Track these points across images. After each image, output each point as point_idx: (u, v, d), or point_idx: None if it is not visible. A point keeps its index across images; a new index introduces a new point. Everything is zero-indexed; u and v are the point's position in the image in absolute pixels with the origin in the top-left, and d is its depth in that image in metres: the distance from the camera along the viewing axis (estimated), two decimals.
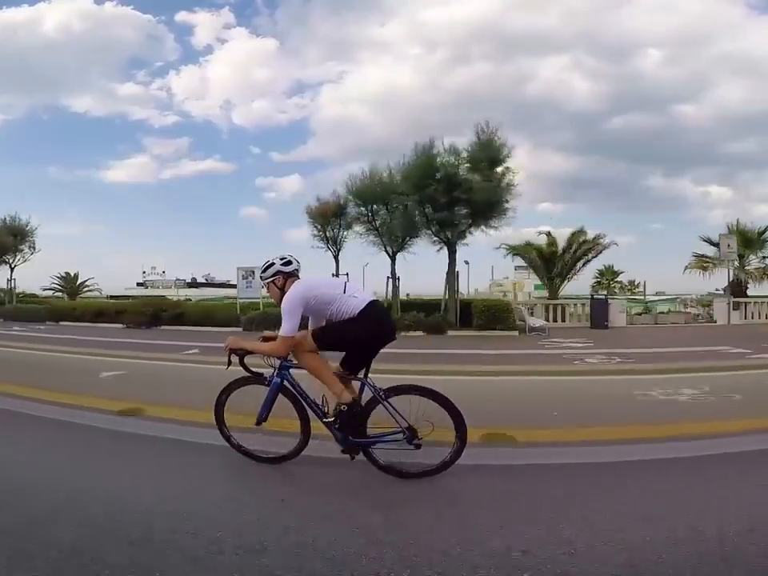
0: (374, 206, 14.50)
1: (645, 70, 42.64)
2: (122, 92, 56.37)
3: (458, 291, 14.94)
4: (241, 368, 2.98)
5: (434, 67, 51.30)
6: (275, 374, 2.93)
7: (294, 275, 2.92)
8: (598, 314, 14.59)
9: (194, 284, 47.50)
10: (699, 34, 44.03)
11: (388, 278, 15.09)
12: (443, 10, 50.19)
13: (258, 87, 57.88)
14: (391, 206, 14.34)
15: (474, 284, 26.63)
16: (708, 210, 46.73)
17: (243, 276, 15.61)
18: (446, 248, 14.47)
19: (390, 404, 2.78)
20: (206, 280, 49.70)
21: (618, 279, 33.22)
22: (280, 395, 2.94)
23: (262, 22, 57.17)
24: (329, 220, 15.05)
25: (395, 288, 14.91)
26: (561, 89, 46.89)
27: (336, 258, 15.57)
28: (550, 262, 18.98)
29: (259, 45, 54.03)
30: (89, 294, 31.25)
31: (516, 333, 13.01)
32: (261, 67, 58.64)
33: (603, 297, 15.95)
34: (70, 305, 20.18)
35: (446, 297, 14.54)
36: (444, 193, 13.22)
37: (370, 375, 2.89)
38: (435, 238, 14.35)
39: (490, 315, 13.19)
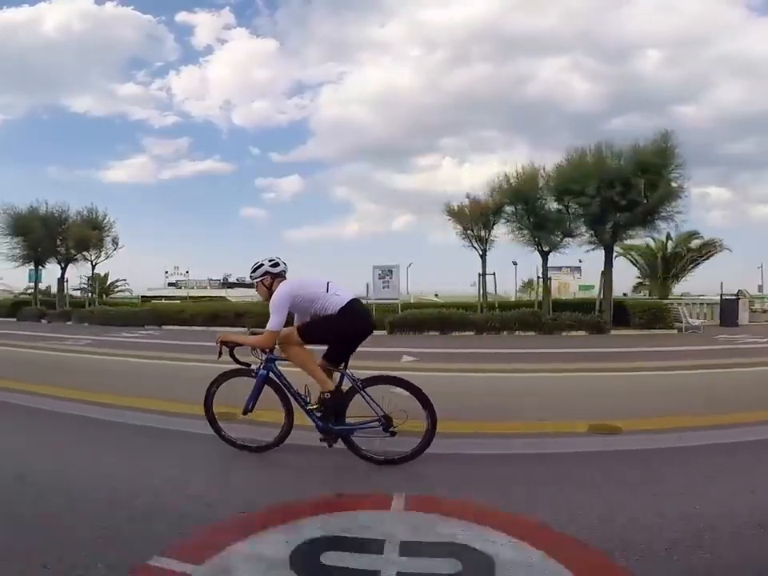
0: (528, 205, 14.64)
1: (644, 71, 44.37)
2: (122, 92, 56.37)
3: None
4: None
5: (434, 68, 52.73)
6: (262, 367, 3.17)
7: (281, 276, 3.19)
8: (729, 312, 15.29)
9: (228, 284, 45.09)
10: (699, 34, 46.15)
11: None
12: (443, 10, 51.84)
13: (258, 87, 58.75)
14: (544, 204, 14.62)
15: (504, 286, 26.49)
16: (707, 212, 48.22)
17: (380, 276, 14.90)
18: (596, 249, 14.66)
19: (367, 394, 3.05)
20: (237, 280, 47.15)
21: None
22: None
23: (262, 23, 58.17)
24: (478, 219, 15.15)
25: (546, 287, 15.23)
26: (560, 90, 48.52)
27: (483, 256, 15.78)
28: (669, 263, 19.44)
29: (259, 45, 54.95)
30: (119, 294, 29.75)
31: (675, 331, 13.51)
32: (261, 68, 59.58)
33: (734, 296, 16.54)
34: (177, 307, 18.45)
35: (601, 296, 14.70)
36: (620, 194, 13.23)
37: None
38: (592, 239, 14.53)
39: (650, 314, 13.70)
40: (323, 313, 3.05)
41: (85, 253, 19.71)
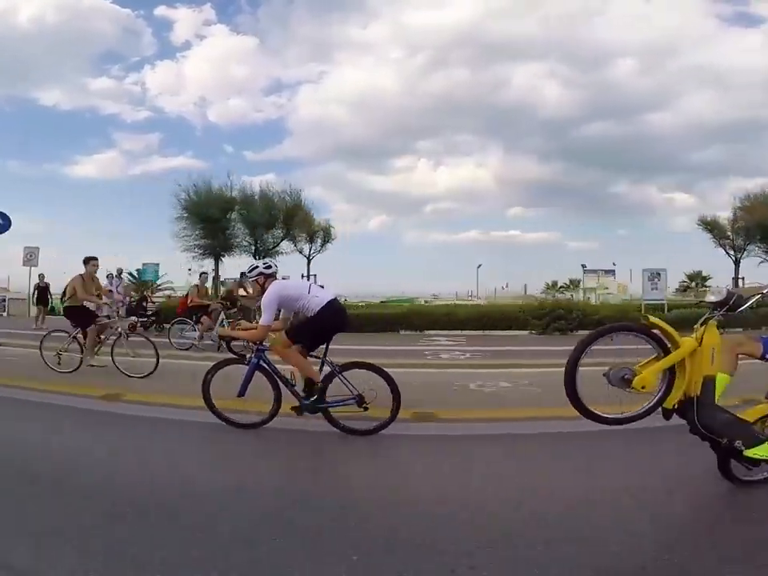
0: None
1: (616, 79, 46.19)
2: (95, 86, 54.15)
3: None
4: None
5: (415, 71, 53.26)
6: (253, 356, 3.74)
7: (273, 276, 3.79)
8: None
9: None
10: (671, 44, 48.17)
11: None
12: (427, 13, 52.58)
13: (236, 85, 57.71)
14: None
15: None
16: (672, 217, 50.93)
17: (649, 278, 15.63)
18: None
19: (344, 377, 3.67)
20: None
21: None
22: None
23: (243, 20, 57.29)
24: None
25: None
26: (534, 95, 50.02)
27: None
28: None
29: (239, 42, 54.06)
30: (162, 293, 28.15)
31: None
32: (239, 65, 58.54)
33: None
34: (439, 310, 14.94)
35: None
36: None
37: None
38: None
39: None
40: (305, 310, 3.66)
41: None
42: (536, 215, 60.26)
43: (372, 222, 63.56)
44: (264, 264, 3.80)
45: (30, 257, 16.81)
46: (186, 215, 18.89)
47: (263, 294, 3.71)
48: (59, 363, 5.85)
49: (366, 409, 3.67)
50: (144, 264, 23.58)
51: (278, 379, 3.73)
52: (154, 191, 54.68)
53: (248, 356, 3.77)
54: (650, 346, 2.46)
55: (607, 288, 27.14)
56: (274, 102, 59.81)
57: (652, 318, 2.52)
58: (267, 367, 3.74)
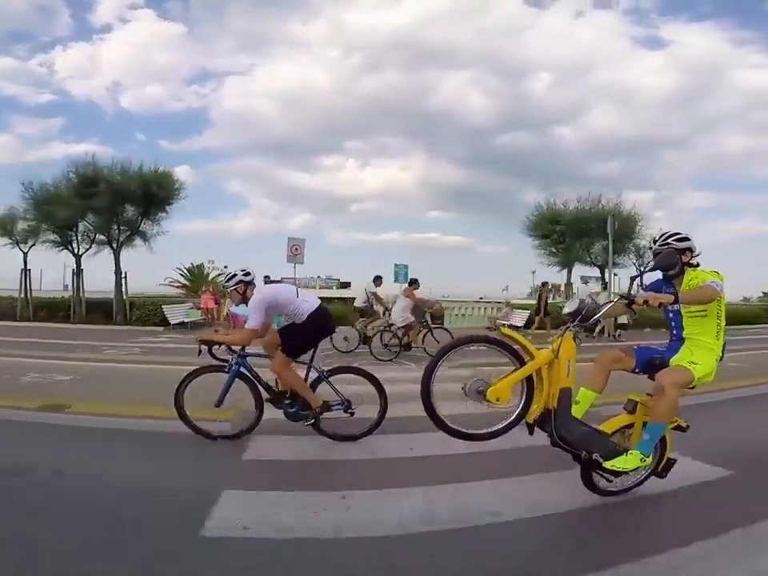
0: None
1: (534, 92, 49.32)
2: None
3: None
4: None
5: (349, 71, 53.20)
6: (234, 362, 3.53)
7: (252, 283, 3.59)
8: None
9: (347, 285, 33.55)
10: (585, 62, 52.41)
11: None
12: (368, 15, 52.48)
13: (156, 72, 54.07)
14: None
15: None
16: None
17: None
18: None
19: (331, 382, 3.58)
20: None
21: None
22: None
23: (173, 7, 53.95)
24: None
25: None
26: (460, 103, 51.96)
27: None
28: None
29: (165, 28, 50.76)
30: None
31: None
32: (162, 51, 54.88)
33: None
34: None
35: None
36: None
37: None
38: None
39: None
40: (294, 315, 3.51)
41: None
42: (453, 219, 62.73)
43: (294, 220, 62.59)
44: (242, 271, 3.60)
45: None
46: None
47: (245, 302, 3.53)
48: None
49: (352, 414, 3.61)
50: None
51: (260, 387, 3.56)
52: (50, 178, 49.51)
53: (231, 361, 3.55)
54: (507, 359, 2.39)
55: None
56: (196, 92, 57.26)
57: (503, 330, 2.48)
58: (249, 374, 3.55)
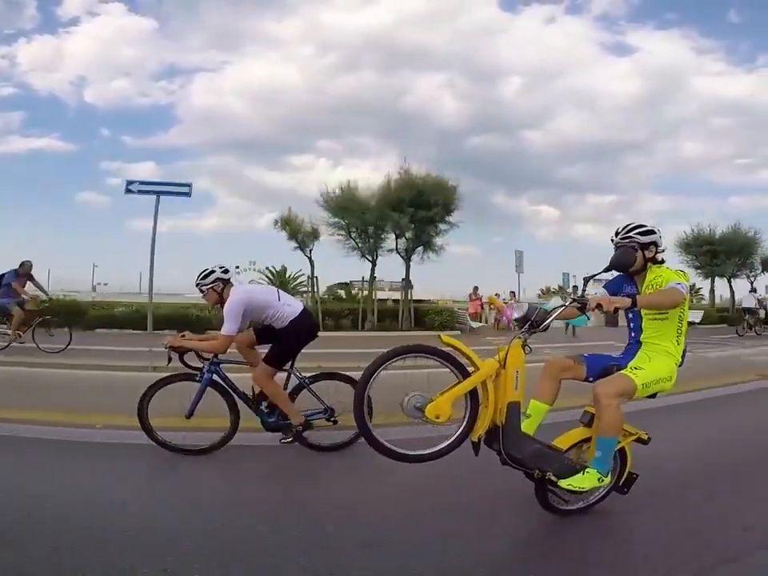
0: None
1: (505, 96, 50.04)
2: None
3: None
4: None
5: (323, 70, 52.42)
6: (206, 370, 3.23)
7: (230, 282, 3.30)
8: None
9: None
10: (555, 67, 53.34)
11: None
12: (344, 14, 51.85)
13: (122, 66, 52.03)
14: None
15: None
16: (537, 227, 56.21)
17: None
18: None
19: (313, 390, 3.34)
20: None
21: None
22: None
23: (146, 1, 51.75)
24: None
25: None
26: (433, 105, 52.20)
27: None
28: None
29: (134, 23, 48.61)
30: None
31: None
32: (130, 46, 52.51)
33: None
34: None
35: None
36: None
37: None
38: None
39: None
40: (274, 320, 3.23)
41: None
42: None
43: (263, 219, 61.65)
44: (221, 268, 3.30)
45: None
46: None
47: (221, 302, 3.24)
48: None
49: (335, 422, 3.38)
50: None
51: (235, 396, 3.28)
52: (9, 173, 46.72)
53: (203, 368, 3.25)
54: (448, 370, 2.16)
55: None
56: (163, 88, 55.62)
57: (444, 338, 2.19)
58: (222, 383, 3.27)
